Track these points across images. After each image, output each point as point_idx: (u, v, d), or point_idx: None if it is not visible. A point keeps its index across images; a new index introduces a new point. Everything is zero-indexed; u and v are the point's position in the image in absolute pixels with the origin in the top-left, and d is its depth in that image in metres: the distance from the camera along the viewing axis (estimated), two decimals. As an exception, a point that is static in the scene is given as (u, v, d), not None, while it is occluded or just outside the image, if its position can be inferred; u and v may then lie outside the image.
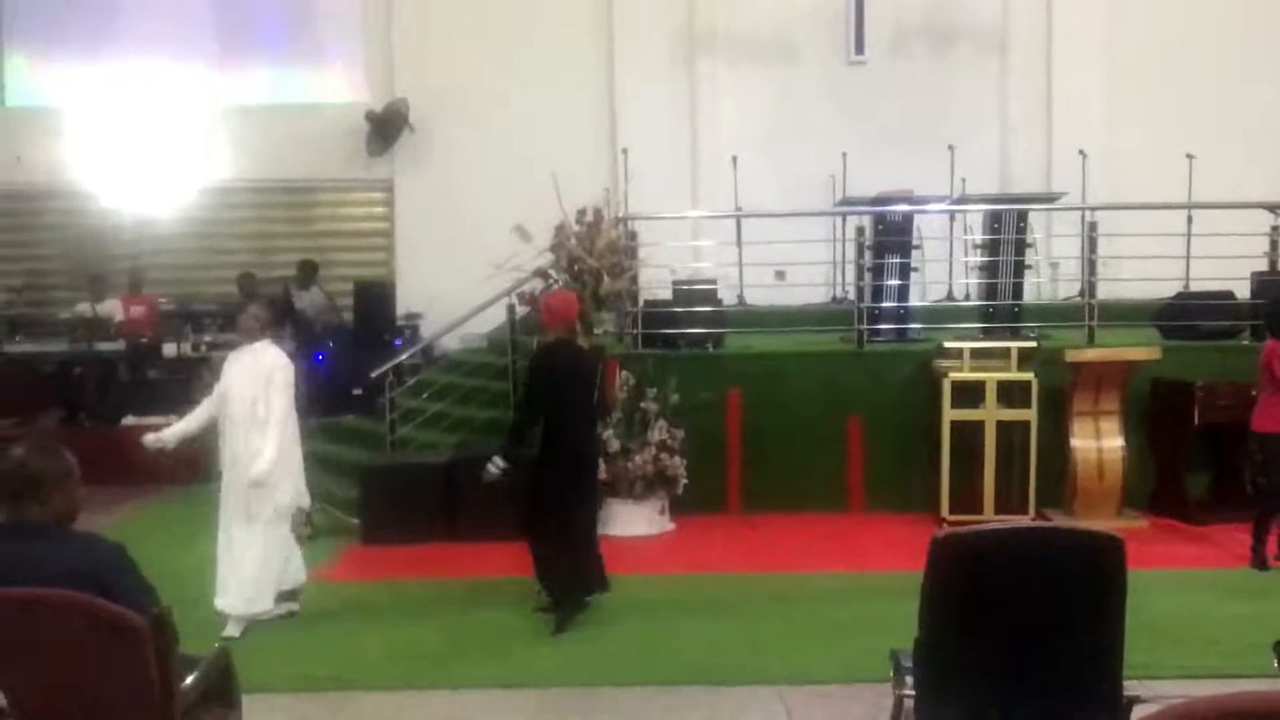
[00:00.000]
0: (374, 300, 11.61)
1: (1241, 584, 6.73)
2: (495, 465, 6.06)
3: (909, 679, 3.33)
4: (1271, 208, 9.75)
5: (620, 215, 9.12)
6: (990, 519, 7.75)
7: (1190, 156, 10.99)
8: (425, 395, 9.89)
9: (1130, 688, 3.33)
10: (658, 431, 8.14)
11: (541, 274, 8.72)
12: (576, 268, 8.45)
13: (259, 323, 6.14)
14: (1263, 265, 9.68)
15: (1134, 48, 12.24)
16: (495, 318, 9.95)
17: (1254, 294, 9.12)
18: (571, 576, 6.13)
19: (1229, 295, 9.16)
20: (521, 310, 9.11)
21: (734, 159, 11.61)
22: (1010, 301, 9.39)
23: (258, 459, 5.88)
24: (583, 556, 6.18)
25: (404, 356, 10.30)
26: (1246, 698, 1.93)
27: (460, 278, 9.79)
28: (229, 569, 6.08)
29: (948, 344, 8.45)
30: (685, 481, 8.23)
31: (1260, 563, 6.92)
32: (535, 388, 6.09)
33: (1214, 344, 8.81)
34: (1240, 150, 11.65)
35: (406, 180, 12.66)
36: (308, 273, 11.99)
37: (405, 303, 12.06)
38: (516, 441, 6.06)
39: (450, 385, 9.99)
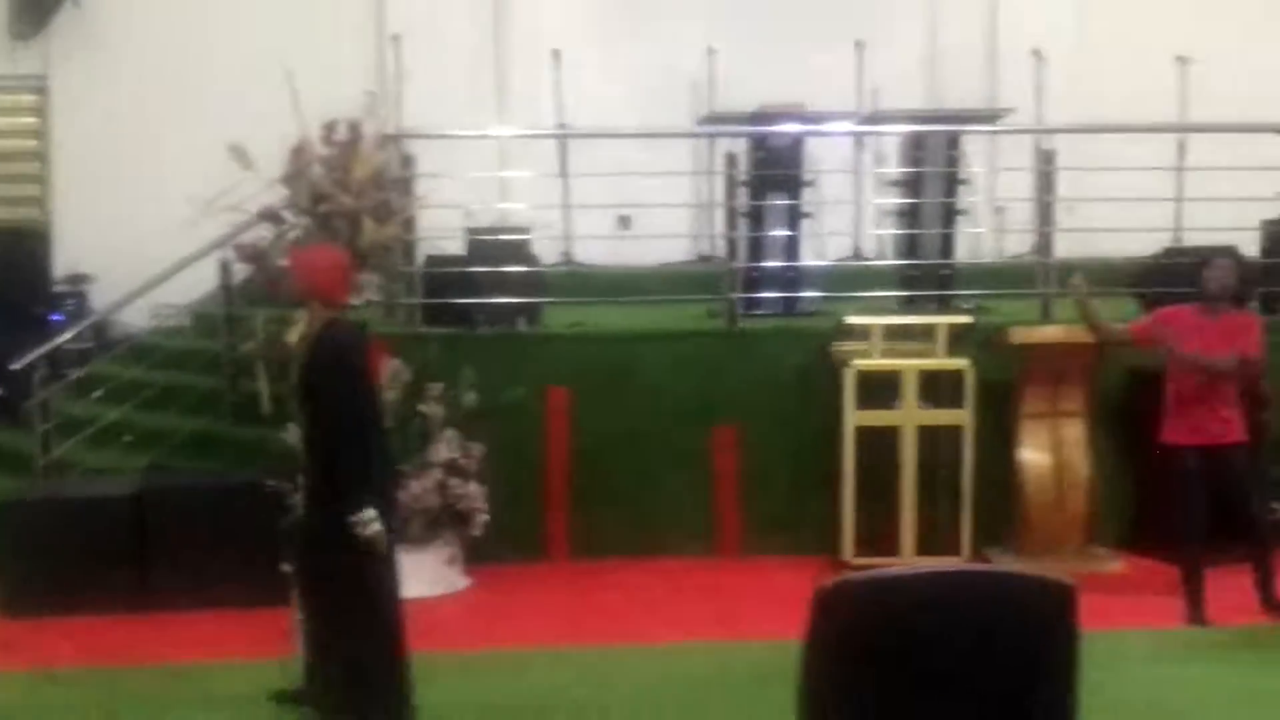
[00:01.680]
0: (17, 255, 11.35)
1: (1246, 646, 7.05)
2: (371, 519, 5.63)
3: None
4: (1287, 133, 10.22)
5: (389, 133, 9.00)
6: (908, 562, 7.92)
7: (1182, 60, 11.41)
8: (97, 396, 9.65)
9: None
10: (444, 447, 8.08)
11: (271, 216, 8.53)
12: (323, 209, 8.29)
13: None
14: (1277, 211, 10.16)
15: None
16: (203, 281, 9.71)
17: (1265, 250, 9.54)
18: (376, 670, 5.91)
19: (1232, 251, 9.55)
20: (242, 270, 8.91)
21: (556, 54, 11.58)
22: (938, 261, 9.61)
23: None
24: (402, 639, 6.00)
25: (64, 339, 9.95)
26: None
27: (148, 222, 9.59)
28: None
29: (852, 320, 8.60)
30: (486, 518, 8.21)
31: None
32: (358, 390, 5.81)
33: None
34: (1246, 54, 12.17)
35: (68, 77, 12.25)
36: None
37: (66, 259, 11.75)
38: (366, 477, 5.71)
39: (136, 382, 9.75)
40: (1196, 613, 7.43)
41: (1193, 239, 10.22)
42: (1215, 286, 7.53)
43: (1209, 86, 11.43)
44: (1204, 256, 8.11)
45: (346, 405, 5.67)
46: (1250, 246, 9.41)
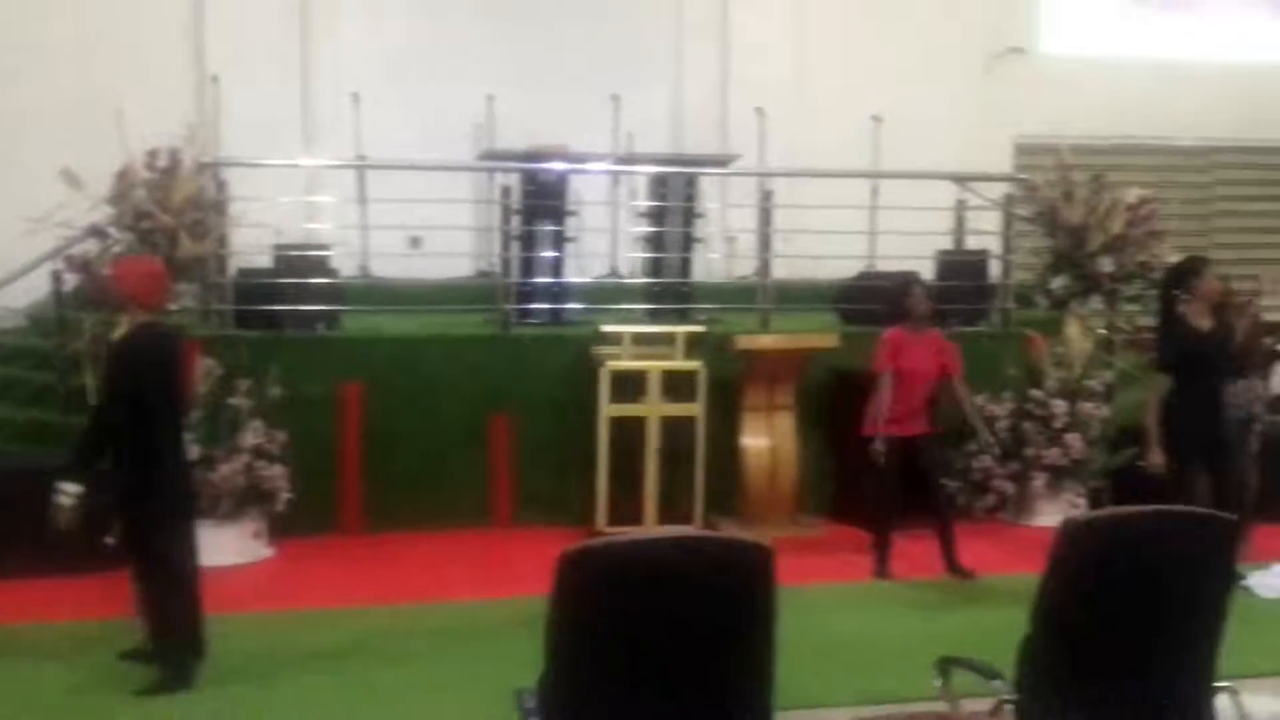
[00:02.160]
0: None
1: (921, 596, 7.31)
2: (67, 494, 5.53)
3: (533, 724, 3.36)
4: (958, 179, 10.65)
5: (206, 161, 8.73)
6: (648, 529, 8.01)
7: (877, 119, 11.81)
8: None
9: (782, 718, 3.51)
10: (251, 434, 7.86)
11: (98, 232, 8.20)
12: (144, 225, 8.01)
13: None
14: (948, 243, 10.58)
15: (821, -2, 13.02)
16: (36, 289, 9.25)
17: (939, 274, 9.91)
18: (176, 624, 5.81)
19: (917, 276, 9.91)
20: (72, 279, 8.53)
21: (355, 96, 11.40)
22: (678, 280, 9.74)
23: None
24: (195, 597, 5.91)
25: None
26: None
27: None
28: None
29: (606, 328, 8.66)
30: (288, 496, 8.01)
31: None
32: (120, 385, 5.69)
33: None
34: (930, 116, 12.65)
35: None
36: None
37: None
38: (89, 456, 5.65)
39: (-26, 377, 9.24)
40: (883, 569, 7.67)
41: (883, 265, 10.57)
42: (924, 308, 7.70)
43: (897, 141, 11.83)
44: (893, 280, 8.37)
45: (108, 398, 5.75)
46: (927, 272, 9.75)
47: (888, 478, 7.59)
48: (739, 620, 3.29)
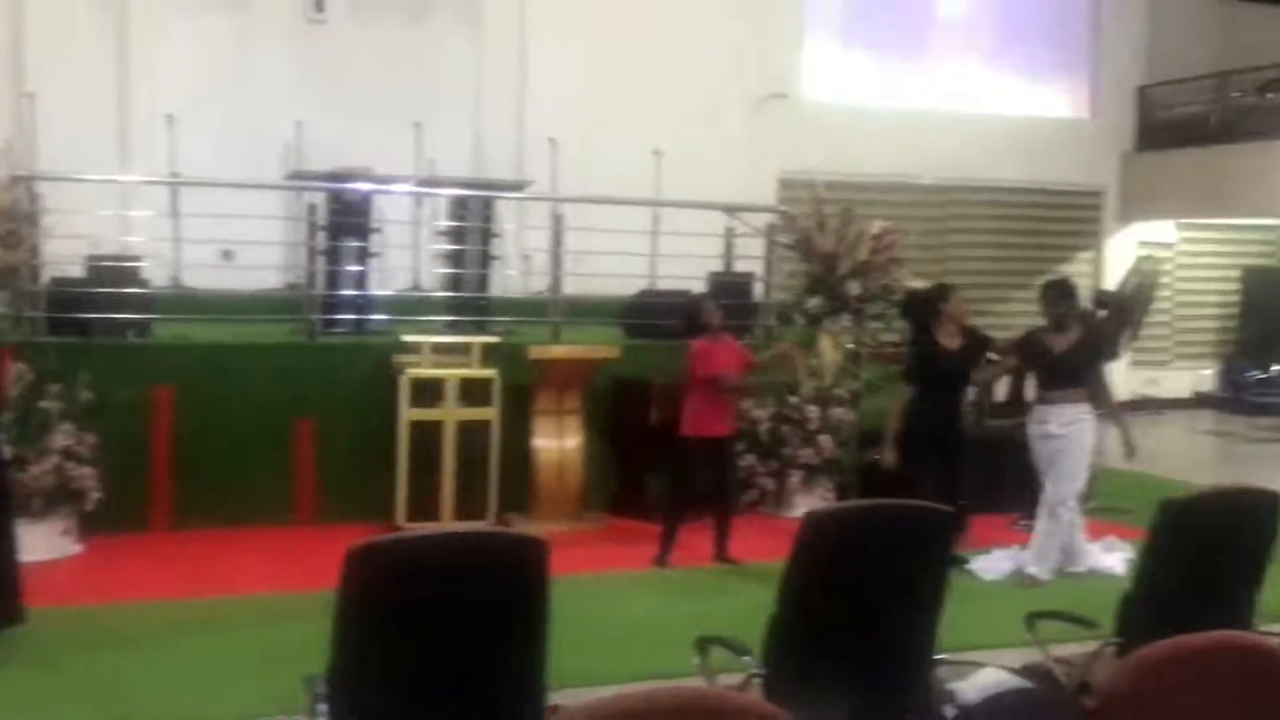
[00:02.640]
0: None
1: (693, 582, 7.40)
2: None
3: (322, 709, 3.29)
4: (728, 209, 10.89)
5: (20, 174, 8.28)
6: (437, 526, 7.92)
7: (658, 153, 11.98)
8: None
9: (556, 697, 3.52)
10: (61, 436, 7.49)
11: (-92, 242, 7.71)
12: (-43, 235, 7.57)
13: None
14: (719, 266, 10.80)
15: (608, 40, 13.15)
16: None
17: (710, 293, 10.07)
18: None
19: (688, 294, 10.08)
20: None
21: (169, 117, 10.99)
22: (476, 294, 9.68)
23: None
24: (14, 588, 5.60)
25: None
26: (630, 699, 2.10)
27: None
28: None
29: (407, 338, 8.54)
30: (98, 495, 7.65)
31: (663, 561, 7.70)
32: None
33: (673, 344, 9.62)
34: (705, 152, 12.92)
35: None
36: None
37: None
38: None
39: None
40: (664, 558, 7.70)
41: (663, 284, 10.73)
42: (719, 320, 7.78)
43: (676, 172, 12.02)
44: (683, 299, 8.54)
45: None
46: (701, 291, 9.91)
47: (691, 474, 7.64)
48: (514, 609, 3.29)
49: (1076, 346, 7.37)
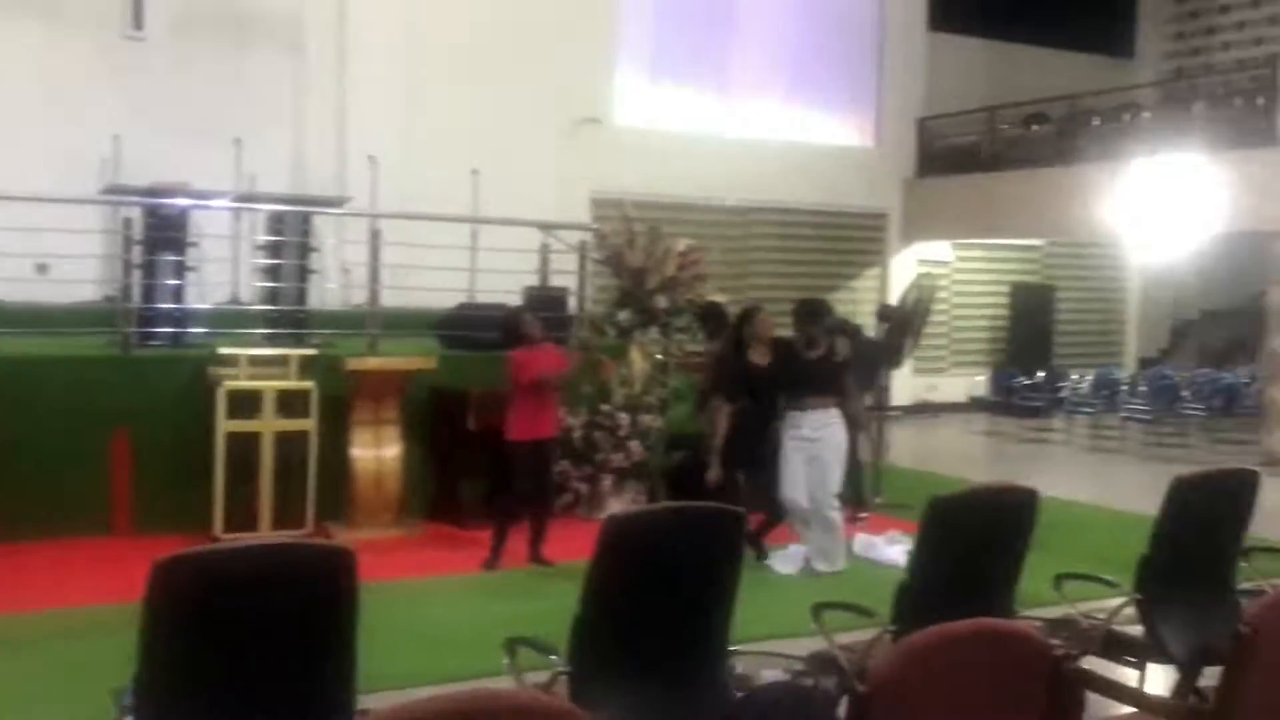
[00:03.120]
0: None
1: (509, 584, 7.33)
2: None
3: (128, 722, 3.13)
4: (543, 226, 10.88)
5: None
6: (260, 536, 7.68)
7: (476, 172, 11.89)
8: None
9: (369, 701, 3.43)
10: None
11: None
12: None
13: None
14: (535, 280, 10.77)
15: (429, 61, 13.00)
16: None
17: (529, 307, 10.03)
18: None
19: (505, 307, 10.02)
20: None
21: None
22: (294, 308, 9.41)
23: None
24: None
25: None
26: (436, 701, 2.05)
27: None
28: None
29: (224, 350, 8.26)
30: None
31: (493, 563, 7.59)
32: None
33: (490, 354, 9.54)
34: (521, 171, 12.89)
35: None
36: None
37: None
38: None
39: None
40: (494, 561, 7.56)
41: (481, 298, 10.64)
42: (538, 332, 7.77)
43: (494, 190, 11.93)
44: (503, 312, 8.49)
45: None
46: (517, 304, 9.86)
47: (519, 476, 7.57)
48: (322, 619, 3.19)
49: (824, 358, 7.61)
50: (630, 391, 9.45)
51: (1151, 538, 4.59)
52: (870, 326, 10.77)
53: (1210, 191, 13.29)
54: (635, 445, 9.24)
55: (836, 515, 7.67)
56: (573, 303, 10.52)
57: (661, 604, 3.70)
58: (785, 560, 7.73)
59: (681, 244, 9.91)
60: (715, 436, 7.70)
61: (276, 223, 9.48)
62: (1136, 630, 4.76)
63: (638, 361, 9.61)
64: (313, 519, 8.21)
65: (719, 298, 9.84)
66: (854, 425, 8.11)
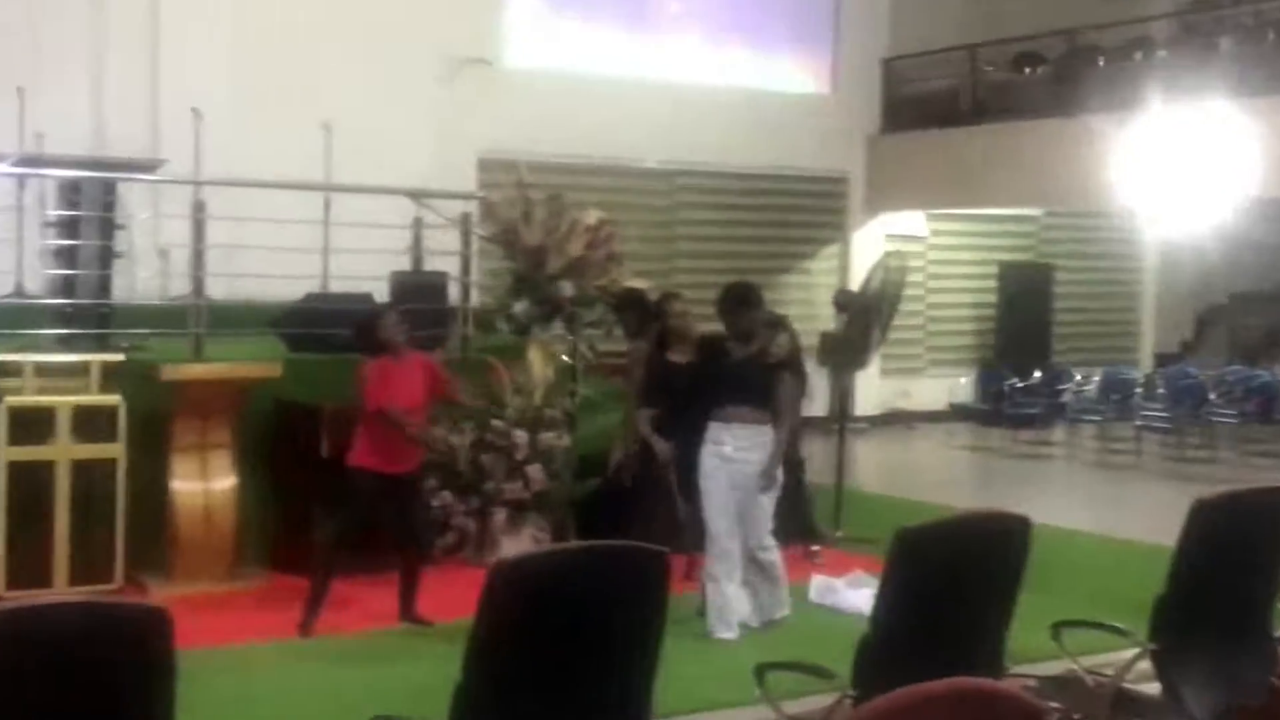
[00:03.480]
0: None
1: (370, 648, 7.25)
2: None
3: None
4: (416, 195, 10.82)
5: None
6: (60, 592, 7.54)
7: (327, 127, 11.78)
8: None
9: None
10: None
11: None
12: None
13: None
14: (405, 263, 10.71)
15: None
16: None
17: (394, 297, 9.97)
18: None
19: (368, 298, 9.94)
20: None
21: None
22: (95, 301, 9.24)
23: None
24: None
25: None
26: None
27: None
28: None
29: (4, 357, 8.11)
30: None
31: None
32: None
33: (347, 356, 9.41)
34: (386, 126, 12.80)
35: None
36: None
37: None
38: None
39: None
40: (310, 622, 7.45)
41: (335, 286, 10.55)
42: (401, 337, 7.60)
43: (351, 152, 11.80)
44: (361, 311, 8.35)
45: None
46: (381, 294, 9.80)
47: (355, 514, 7.50)
48: (127, 696, 3.14)
49: (752, 358, 7.45)
50: (528, 403, 9.43)
51: (1169, 575, 4.67)
52: (827, 318, 10.89)
53: (1240, 147, 13.57)
54: (535, 471, 9.22)
55: (772, 555, 7.62)
56: (454, 291, 10.47)
57: (564, 668, 3.70)
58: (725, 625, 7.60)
59: (591, 216, 9.93)
60: (630, 439, 7.75)
61: (71, 192, 9.29)
62: (1153, 688, 4.86)
63: (538, 365, 9.59)
64: (122, 571, 8.09)
65: (639, 284, 9.87)
66: (794, 441, 8.16)
